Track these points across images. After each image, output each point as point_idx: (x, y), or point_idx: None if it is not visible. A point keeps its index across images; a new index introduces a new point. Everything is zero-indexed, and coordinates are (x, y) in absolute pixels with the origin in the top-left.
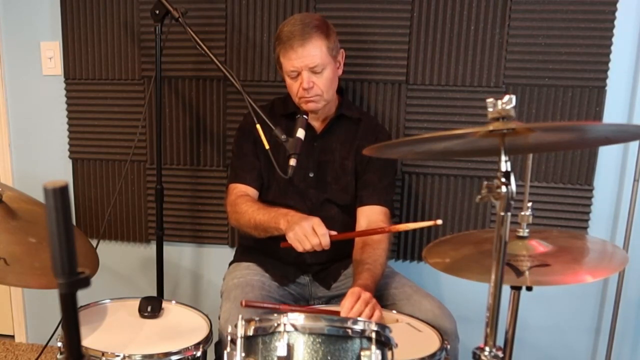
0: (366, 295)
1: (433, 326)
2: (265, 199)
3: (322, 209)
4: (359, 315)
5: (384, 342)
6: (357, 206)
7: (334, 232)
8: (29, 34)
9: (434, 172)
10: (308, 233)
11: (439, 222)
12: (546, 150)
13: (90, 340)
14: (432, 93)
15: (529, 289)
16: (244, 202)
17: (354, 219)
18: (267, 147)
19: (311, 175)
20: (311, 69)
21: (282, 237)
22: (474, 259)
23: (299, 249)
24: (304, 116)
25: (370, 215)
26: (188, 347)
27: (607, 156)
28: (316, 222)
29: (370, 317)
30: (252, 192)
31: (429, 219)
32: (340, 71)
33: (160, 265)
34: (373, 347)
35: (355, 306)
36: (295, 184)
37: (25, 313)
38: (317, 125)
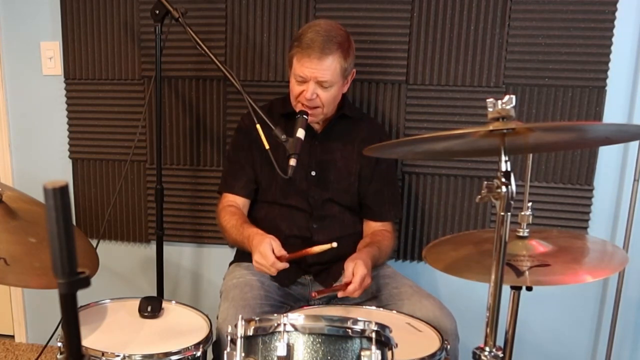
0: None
1: (433, 326)
2: (266, 199)
3: (323, 208)
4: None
5: (384, 342)
6: (370, 219)
7: (284, 253)
8: (29, 34)
9: (434, 172)
10: (262, 265)
11: (334, 244)
12: (546, 150)
13: (90, 340)
14: (432, 93)
15: (529, 289)
16: (225, 215)
17: (355, 219)
18: (267, 147)
19: (313, 174)
20: (319, 82)
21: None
22: (474, 259)
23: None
24: (304, 116)
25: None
26: (188, 347)
27: (607, 156)
28: (262, 251)
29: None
30: (241, 200)
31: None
32: (345, 88)
33: (160, 265)
34: (373, 347)
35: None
36: (296, 183)
37: (25, 313)
38: (317, 126)
